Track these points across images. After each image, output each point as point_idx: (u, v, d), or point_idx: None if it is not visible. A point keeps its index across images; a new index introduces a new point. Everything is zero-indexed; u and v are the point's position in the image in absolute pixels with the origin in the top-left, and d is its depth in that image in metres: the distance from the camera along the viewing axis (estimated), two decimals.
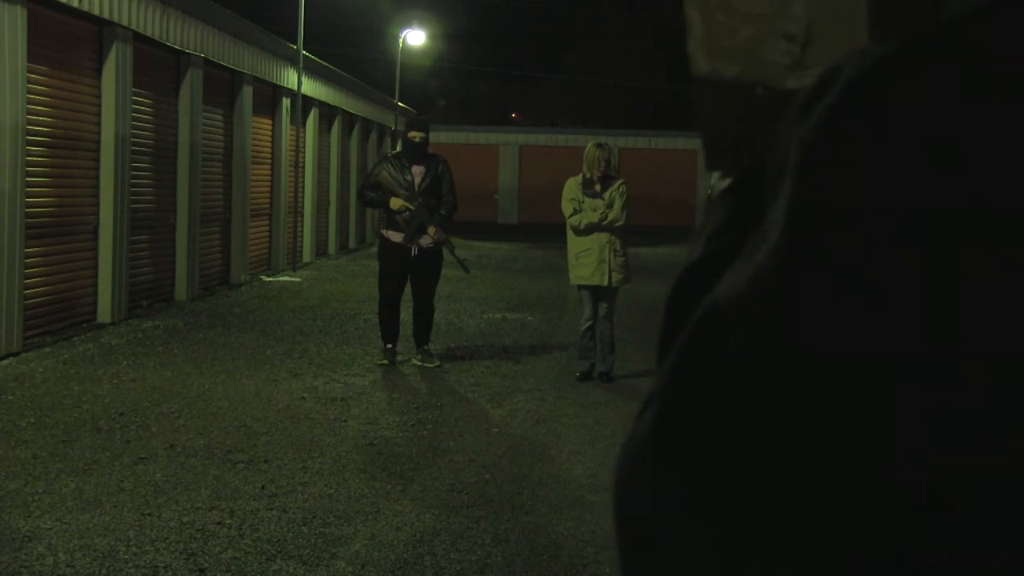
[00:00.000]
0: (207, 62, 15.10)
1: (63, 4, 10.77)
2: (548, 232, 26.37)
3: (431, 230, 9.44)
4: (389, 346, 9.79)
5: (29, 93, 10.19)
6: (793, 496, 0.56)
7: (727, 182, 0.77)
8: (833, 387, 0.55)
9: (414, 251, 9.53)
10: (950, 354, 0.53)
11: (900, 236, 0.54)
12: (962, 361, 0.53)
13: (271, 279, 17.78)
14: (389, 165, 9.63)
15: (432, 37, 38.18)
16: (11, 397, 8.06)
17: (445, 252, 9.62)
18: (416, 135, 9.66)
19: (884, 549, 0.54)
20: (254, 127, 17.65)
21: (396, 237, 9.58)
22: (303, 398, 8.34)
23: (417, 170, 9.56)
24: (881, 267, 0.54)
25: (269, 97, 18.68)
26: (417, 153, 9.62)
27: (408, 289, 9.75)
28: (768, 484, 0.57)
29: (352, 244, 25.48)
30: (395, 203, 9.48)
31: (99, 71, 11.96)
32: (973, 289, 0.53)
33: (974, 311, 0.53)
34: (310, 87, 20.98)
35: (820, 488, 0.55)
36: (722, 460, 0.58)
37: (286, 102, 19.51)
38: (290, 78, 19.56)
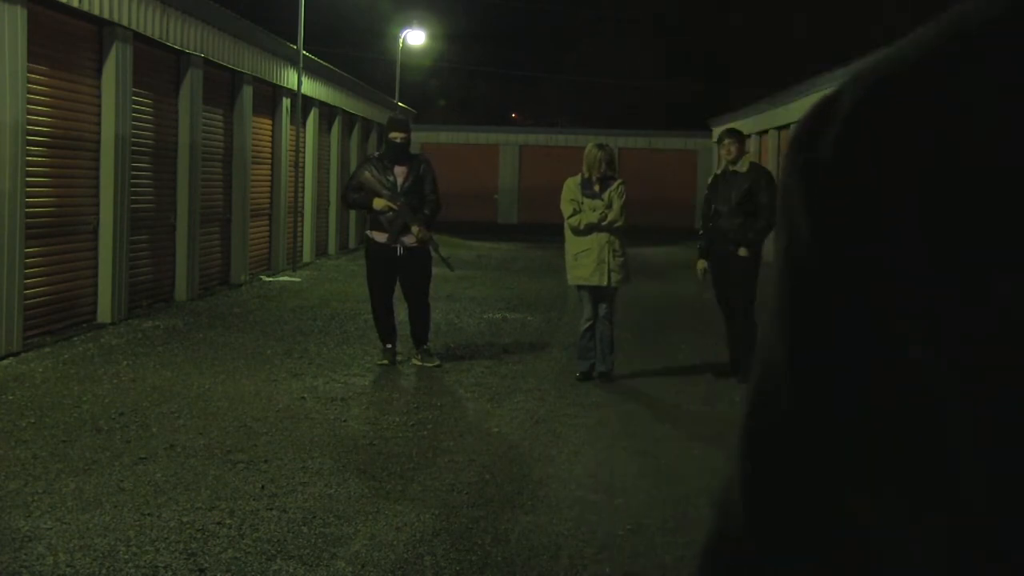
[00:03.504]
0: (207, 62, 15.10)
1: (63, 4, 10.77)
2: (548, 232, 26.37)
3: (415, 229, 9.45)
4: (388, 346, 9.79)
5: (29, 93, 10.19)
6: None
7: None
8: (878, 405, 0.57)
9: (399, 250, 9.54)
10: (985, 357, 0.53)
11: (927, 237, 0.55)
12: (998, 365, 0.53)
13: (271, 279, 17.78)
14: (371, 166, 9.66)
15: (432, 37, 38.13)
16: (11, 397, 8.06)
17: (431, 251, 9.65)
18: (397, 135, 9.68)
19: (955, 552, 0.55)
20: (254, 127, 17.65)
21: (380, 237, 9.59)
22: (303, 398, 8.33)
23: (399, 170, 9.58)
24: (911, 270, 0.55)
25: (269, 97, 18.68)
26: (399, 153, 9.64)
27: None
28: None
29: (352, 244, 25.46)
30: (378, 203, 9.49)
31: (99, 71, 11.96)
32: (998, 288, 0.53)
33: (990, 311, 0.53)
34: (310, 87, 20.97)
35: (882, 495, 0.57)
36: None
37: (286, 102, 19.51)
38: (290, 78, 19.55)
